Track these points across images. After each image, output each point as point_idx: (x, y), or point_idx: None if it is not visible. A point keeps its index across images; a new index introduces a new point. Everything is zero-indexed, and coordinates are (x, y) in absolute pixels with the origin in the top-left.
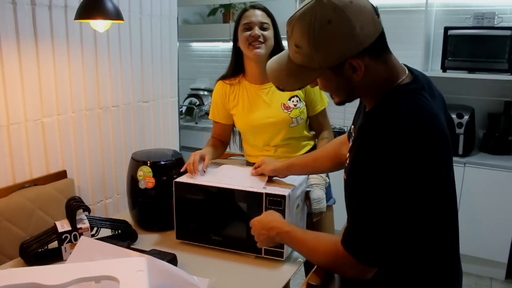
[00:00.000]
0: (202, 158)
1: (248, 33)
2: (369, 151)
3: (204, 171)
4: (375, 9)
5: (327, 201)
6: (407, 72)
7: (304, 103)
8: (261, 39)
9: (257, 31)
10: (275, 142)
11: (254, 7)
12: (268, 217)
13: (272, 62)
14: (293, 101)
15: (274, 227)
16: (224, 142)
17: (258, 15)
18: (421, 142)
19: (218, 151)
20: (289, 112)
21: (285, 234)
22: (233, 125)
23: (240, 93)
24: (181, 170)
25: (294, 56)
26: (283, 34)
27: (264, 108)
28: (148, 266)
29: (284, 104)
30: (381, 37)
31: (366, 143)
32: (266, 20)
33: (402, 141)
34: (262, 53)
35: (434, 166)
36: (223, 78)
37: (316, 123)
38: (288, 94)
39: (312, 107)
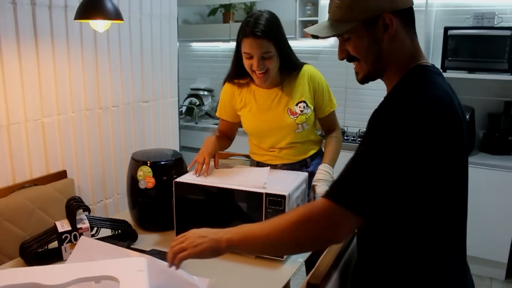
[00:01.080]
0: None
1: (250, 62)
2: (385, 121)
3: (217, 168)
4: None
5: None
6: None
7: (312, 108)
8: (263, 70)
9: (259, 63)
10: (280, 145)
11: (254, 33)
12: (202, 229)
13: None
14: (299, 107)
15: (218, 231)
16: (229, 137)
17: (259, 45)
18: (436, 123)
19: (224, 142)
20: (295, 118)
21: (236, 231)
22: (239, 123)
23: (248, 95)
24: (188, 168)
25: (334, 12)
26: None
27: (270, 112)
28: (148, 266)
29: (290, 110)
30: (412, 11)
31: (385, 114)
32: (268, 48)
33: (419, 117)
34: (267, 81)
35: (446, 147)
36: (229, 80)
37: (325, 124)
38: (295, 99)
39: (322, 109)
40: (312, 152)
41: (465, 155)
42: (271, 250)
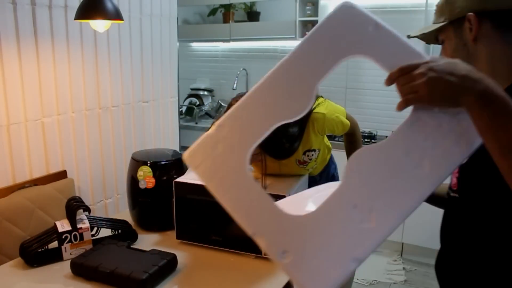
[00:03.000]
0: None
1: None
2: None
3: None
4: None
5: None
6: None
7: (321, 147)
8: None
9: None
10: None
11: None
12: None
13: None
14: (308, 156)
15: (484, 77)
16: None
17: None
18: None
19: None
20: (305, 166)
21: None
22: None
23: None
24: None
25: (434, 18)
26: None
27: (277, 165)
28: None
29: (299, 161)
30: None
31: None
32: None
33: None
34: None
35: None
36: None
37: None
38: (301, 150)
39: (337, 134)
40: (320, 170)
41: None
42: None
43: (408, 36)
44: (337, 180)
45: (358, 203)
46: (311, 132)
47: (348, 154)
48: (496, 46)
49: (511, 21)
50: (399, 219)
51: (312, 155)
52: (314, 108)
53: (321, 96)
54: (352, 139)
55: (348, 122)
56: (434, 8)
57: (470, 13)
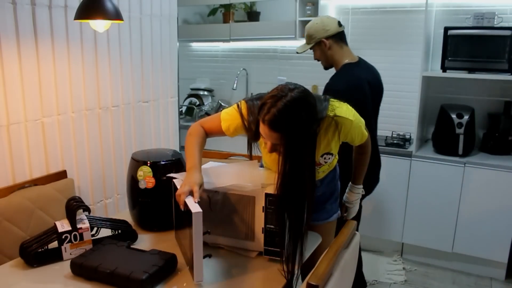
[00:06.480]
0: (190, 193)
1: (265, 140)
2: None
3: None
4: (339, 22)
5: (331, 216)
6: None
7: (336, 152)
8: (276, 151)
9: (272, 147)
10: None
11: (271, 122)
12: None
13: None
14: (324, 158)
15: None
16: (210, 137)
17: (272, 137)
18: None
19: (204, 143)
20: (318, 168)
21: None
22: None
23: None
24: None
25: (305, 40)
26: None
27: None
28: None
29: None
30: (340, 33)
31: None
32: (280, 141)
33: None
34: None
35: None
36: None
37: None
38: (320, 152)
39: (354, 143)
40: (325, 174)
41: None
42: None
43: (297, 52)
44: (338, 188)
45: None
46: (336, 136)
47: (356, 165)
48: (336, 50)
49: (341, 36)
50: None
51: (329, 158)
52: (335, 109)
53: (331, 98)
54: (362, 151)
55: (367, 134)
56: (305, 33)
57: (322, 39)
